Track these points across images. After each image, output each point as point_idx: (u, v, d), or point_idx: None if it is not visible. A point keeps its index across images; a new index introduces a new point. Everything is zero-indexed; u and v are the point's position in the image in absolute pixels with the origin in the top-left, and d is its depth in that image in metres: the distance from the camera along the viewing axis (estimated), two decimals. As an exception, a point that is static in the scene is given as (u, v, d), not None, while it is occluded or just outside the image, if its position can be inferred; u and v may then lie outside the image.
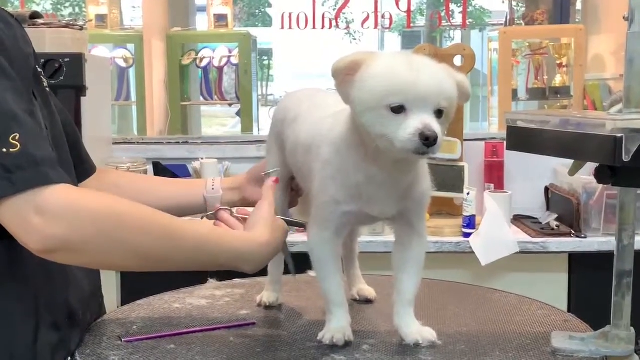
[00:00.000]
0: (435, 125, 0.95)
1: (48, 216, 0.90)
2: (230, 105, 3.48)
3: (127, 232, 0.96)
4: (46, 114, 1.10)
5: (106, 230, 0.94)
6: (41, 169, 0.91)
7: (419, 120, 0.95)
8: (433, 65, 0.99)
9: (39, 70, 1.13)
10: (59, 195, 0.91)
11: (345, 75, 0.99)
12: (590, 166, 1.04)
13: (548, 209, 2.57)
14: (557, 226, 2.38)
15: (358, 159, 1.03)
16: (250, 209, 1.17)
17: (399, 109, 0.95)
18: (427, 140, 0.94)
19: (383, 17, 3.12)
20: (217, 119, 8.55)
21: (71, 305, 1.12)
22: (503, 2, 3.41)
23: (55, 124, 1.14)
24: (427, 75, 0.97)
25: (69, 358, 1.08)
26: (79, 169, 1.22)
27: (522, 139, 1.09)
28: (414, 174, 1.07)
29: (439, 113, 0.97)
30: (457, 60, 2.51)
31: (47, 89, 1.17)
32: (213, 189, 1.35)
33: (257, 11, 13.41)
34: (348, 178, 1.05)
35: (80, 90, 2.26)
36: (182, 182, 1.42)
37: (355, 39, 10.12)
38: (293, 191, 1.31)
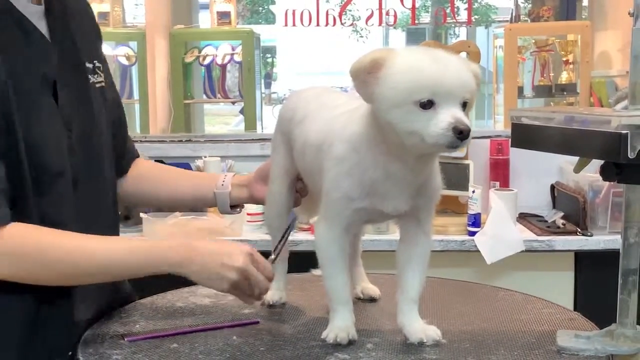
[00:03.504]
0: (466, 119, 0.96)
1: None
2: (233, 103, 3.47)
3: (50, 264, 1.10)
4: (73, 111, 1.16)
5: (30, 267, 1.10)
6: None
7: (450, 114, 0.95)
8: (455, 59, 1.00)
9: (88, 65, 1.21)
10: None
11: (366, 74, 0.98)
12: (597, 163, 1.03)
13: (554, 207, 2.56)
14: (563, 224, 2.37)
15: (378, 155, 1.03)
16: None
17: (427, 104, 0.95)
18: (461, 134, 0.94)
19: (387, 14, 3.10)
20: (220, 117, 8.55)
21: (74, 311, 1.14)
22: (509, -2, 3.39)
23: (90, 120, 1.19)
24: (452, 69, 0.97)
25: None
26: (126, 158, 1.38)
27: (526, 136, 1.09)
28: (429, 170, 1.07)
29: (463, 105, 0.98)
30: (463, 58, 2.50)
31: (99, 84, 1.23)
32: (222, 185, 1.37)
33: (260, 8, 13.41)
34: (365, 174, 1.04)
35: (84, 88, 2.25)
36: (200, 176, 1.50)
37: (362, 37, 10.09)
38: (297, 192, 1.31)
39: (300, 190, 1.31)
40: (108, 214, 1.29)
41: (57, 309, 1.16)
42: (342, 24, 3.10)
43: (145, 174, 1.42)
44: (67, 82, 1.17)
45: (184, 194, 1.42)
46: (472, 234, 2.32)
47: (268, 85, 10.26)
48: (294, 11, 3.05)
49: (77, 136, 1.17)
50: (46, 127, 1.12)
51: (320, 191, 1.12)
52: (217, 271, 1.14)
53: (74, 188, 1.16)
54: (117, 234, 1.35)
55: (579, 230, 2.32)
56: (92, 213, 1.22)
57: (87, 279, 1.16)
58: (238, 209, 1.42)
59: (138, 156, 1.44)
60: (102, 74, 1.26)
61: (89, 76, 1.22)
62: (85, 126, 1.18)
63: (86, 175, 1.19)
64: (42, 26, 1.16)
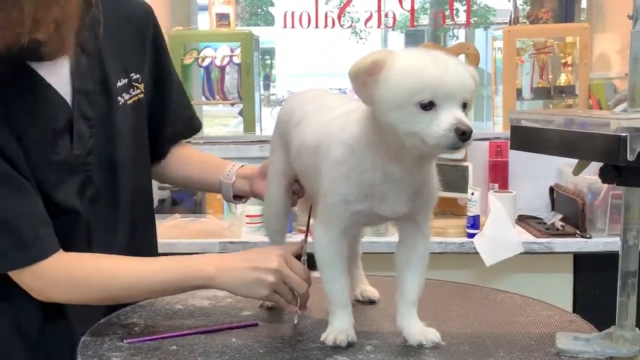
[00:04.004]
0: (467, 119, 0.96)
1: (41, 285, 1.14)
2: (232, 105, 3.47)
3: (100, 288, 1.16)
4: (94, 142, 1.19)
5: (82, 292, 1.16)
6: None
7: (451, 115, 0.95)
8: (453, 60, 1.00)
9: (121, 82, 1.23)
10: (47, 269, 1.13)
11: (366, 76, 0.98)
12: (596, 165, 1.03)
13: (553, 209, 2.56)
14: (562, 226, 2.37)
15: (376, 157, 1.03)
16: None
17: (428, 106, 0.95)
18: (464, 135, 0.94)
19: (386, 16, 3.10)
20: (218, 119, 8.54)
21: (71, 326, 1.19)
22: (509, 0, 3.38)
23: (112, 143, 1.22)
24: (452, 70, 0.97)
25: None
26: (186, 128, 1.44)
27: (526, 138, 1.09)
28: (427, 172, 1.07)
29: (463, 106, 0.98)
30: (461, 60, 2.50)
31: (132, 99, 1.26)
32: (228, 175, 1.40)
33: (259, 10, 13.42)
34: (363, 177, 1.04)
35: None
36: (210, 162, 1.50)
37: (361, 38, 10.09)
38: (294, 193, 1.31)
39: (297, 192, 1.31)
40: (137, 222, 1.32)
41: (56, 324, 1.20)
42: (341, 25, 3.10)
43: (183, 158, 1.45)
44: (88, 116, 1.19)
45: (197, 177, 1.46)
46: (471, 236, 2.33)
47: (267, 87, 10.26)
48: (293, 13, 3.05)
49: (96, 164, 1.20)
50: (54, 174, 1.16)
51: (317, 193, 1.12)
52: (253, 277, 1.15)
53: (90, 210, 1.21)
54: (151, 244, 1.40)
55: (578, 232, 2.32)
56: (114, 231, 1.26)
57: (133, 299, 1.23)
58: (243, 199, 1.44)
59: (177, 140, 1.46)
60: (140, 85, 1.28)
61: (120, 97, 1.23)
62: (107, 151, 1.21)
63: (105, 198, 1.23)
64: (62, 63, 1.17)
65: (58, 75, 1.17)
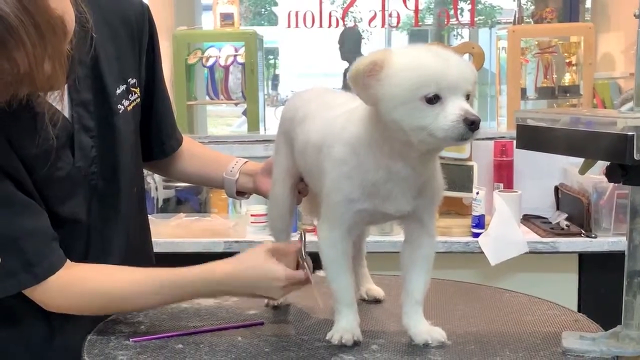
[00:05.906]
0: (473, 110, 0.96)
1: (52, 299, 1.14)
2: (236, 104, 3.47)
3: (110, 306, 1.17)
4: (96, 152, 1.18)
5: (89, 303, 1.16)
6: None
7: (457, 107, 0.96)
8: (452, 53, 1.00)
9: (119, 88, 1.22)
10: (53, 284, 1.12)
11: (366, 77, 0.98)
12: (601, 165, 1.03)
13: (558, 208, 2.56)
14: (567, 226, 2.37)
15: (379, 156, 1.03)
16: None
17: (433, 99, 0.96)
18: (473, 125, 0.94)
19: (390, 15, 3.10)
20: (222, 119, 8.53)
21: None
22: (513, 0, 3.38)
23: (113, 151, 1.21)
24: (453, 62, 0.98)
25: None
26: (165, 145, 1.40)
27: (532, 137, 1.09)
28: (431, 169, 1.07)
29: (466, 98, 0.98)
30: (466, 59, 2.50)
31: (131, 105, 1.24)
32: (231, 171, 1.40)
33: (262, 10, 13.41)
34: (366, 176, 1.04)
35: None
36: (216, 158, 1.49)
37: (363, 38, 10.06)
38: (299, 193, 1.31)
39: (302, 191, 1.31)
40: (134, 226, 1.32)
41: (62, 337, 1.20)
42: (344, 25, 3.10)
43: (185, 153, 1.45)
44: (88, 126, 1.18)
45: (200, 171, 1.45)
46: (476, 235, 2.33)
47: (275, 87, 10.25)
48: (296, 12, 3.05)
49: (100, 172, 1.20)
50: (59, 189, 1.15)
51: (321, 192, 1.13)
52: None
53: (92, 218, 1.21)
54: (145, 247, 1.40)
55: (583, 231, 2.32)
56: (112, 236, 1.25)
57: (140, 311, 1.24)
58: (246, 195, 1.43)
59: (181, 142, 1.44)
60: (136, 90, 1.26)
61: (119, 104, 1.22)
62: (110, 159, 1.21)
63: (107, 205, 1.23)
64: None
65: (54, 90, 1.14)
